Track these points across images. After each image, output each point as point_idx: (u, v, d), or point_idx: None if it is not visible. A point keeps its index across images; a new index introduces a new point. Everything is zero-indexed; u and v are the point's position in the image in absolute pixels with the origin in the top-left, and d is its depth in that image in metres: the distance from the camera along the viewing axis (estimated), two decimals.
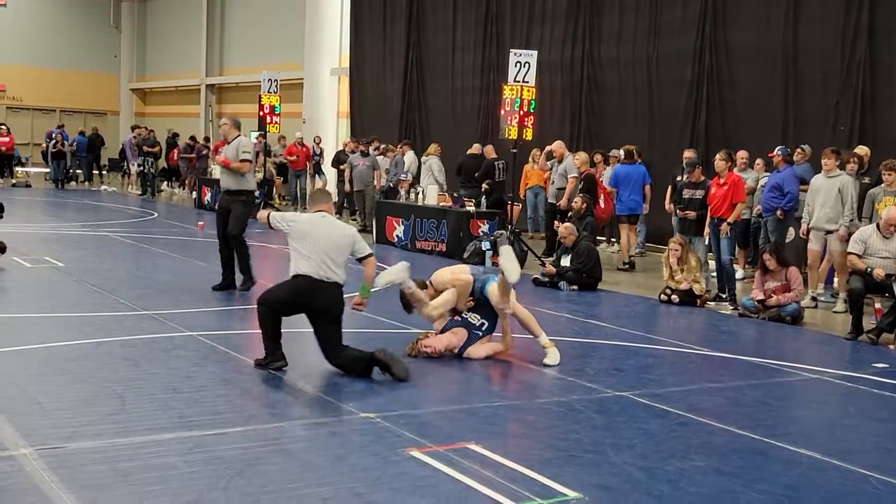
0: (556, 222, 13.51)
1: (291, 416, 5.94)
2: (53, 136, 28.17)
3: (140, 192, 25.17)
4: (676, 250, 10.97)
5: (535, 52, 13.87)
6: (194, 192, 23.42)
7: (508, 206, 14.60)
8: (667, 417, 6.25)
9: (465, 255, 13.99)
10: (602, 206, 14.11)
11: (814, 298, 10.56)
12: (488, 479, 4.87)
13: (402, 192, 16.86)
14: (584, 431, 5.86)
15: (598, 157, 15.29)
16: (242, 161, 10.31)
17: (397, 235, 15.73)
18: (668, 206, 14.22)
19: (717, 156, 11.62)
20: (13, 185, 26.44)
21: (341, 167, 20.29)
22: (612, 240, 16.45)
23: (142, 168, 25.00)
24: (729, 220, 11.09)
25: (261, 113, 20.31)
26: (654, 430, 5.96)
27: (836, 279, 11.22)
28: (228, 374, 6.90)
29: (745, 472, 5.20)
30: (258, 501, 4.46)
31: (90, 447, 5.09)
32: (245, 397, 6.42)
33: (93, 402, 5.96)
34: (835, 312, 10.45)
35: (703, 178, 11.90)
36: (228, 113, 32.75)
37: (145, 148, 25.11)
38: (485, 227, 14.32)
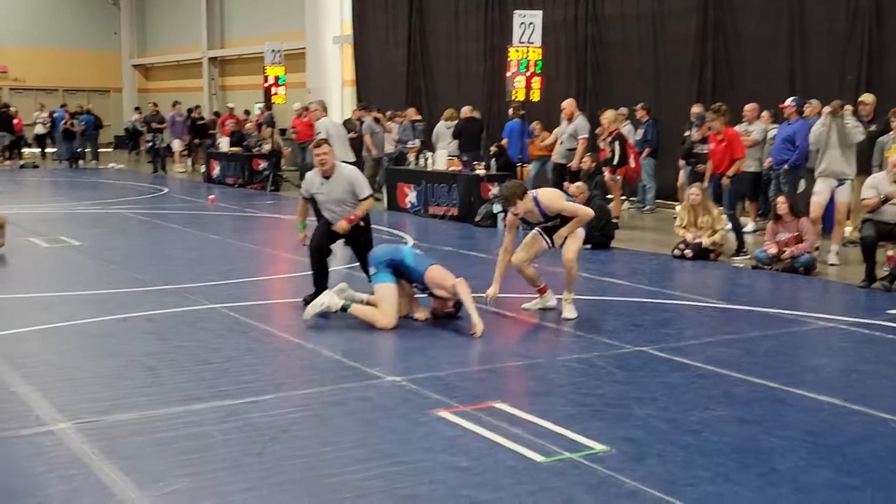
0: (566, 182, 13.54)
1: (319, 382, 6.06)
2: (54, 115, 28.26)
3: (153, 169, 25.12)
4: (697, 195, 11.00)
5: (540, 13, 13.84)
6: (202, 167, 23.48)
7: (518, 168, 14.63)
8: (686, 370, 6.36)
9: (478, 218, 14.09)
10: (633, 165, 14.07)
11: (837, 254, 10.49)
12: (516, 435, 4.99)
13: (412, 158, 16.91)
14: (606, 386, 5.97)
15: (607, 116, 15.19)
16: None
17: (410, 202, 15.80)
18: (679, 161, 14.29)
19: (708, 113, 11.61)
20: (21, 167, 26.55)
21: (351, 134, 20.23)
22: (633, 198, 16.45)
23: (151, 143, 25.03)
24: (728, 173, 11.13)
25: (265, 84, 20.32)
26: (674, 382, 6.07)
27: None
28: (253, 345, 7.03)
29: (765, 420, 5.31)
30: (294, 465, 4.58)
31: (126, 419, 5.22)
32: (272, 366, 6.55)
33: (124, 376, 6.09)
34: (830, 265, 10.41)
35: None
36: (232, 86, 32.79)
37: (154, 125, 25.14)
38: (495, 190, 14.37)
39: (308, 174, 8.38)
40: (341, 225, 8.01)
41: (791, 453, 4.79)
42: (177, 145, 25.84)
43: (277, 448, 4.86)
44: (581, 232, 7.95)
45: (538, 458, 4.68)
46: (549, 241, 7.93)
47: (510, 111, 16.37)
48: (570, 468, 4.57)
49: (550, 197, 7.86)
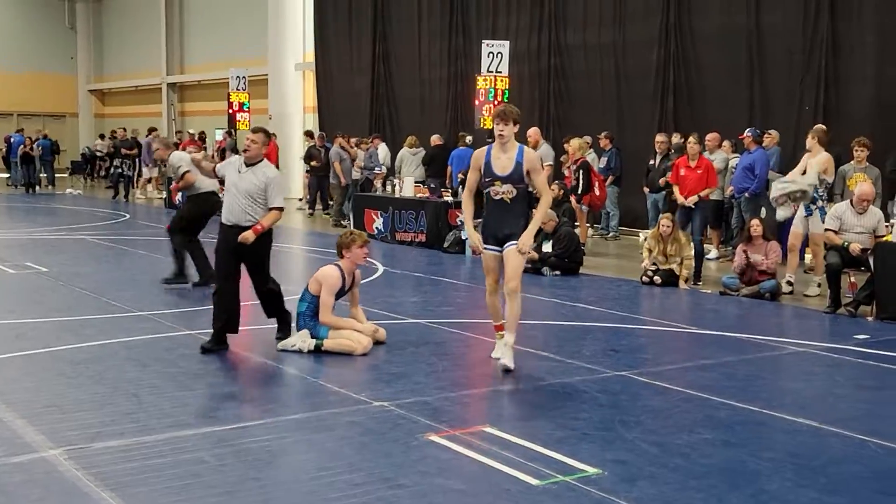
0: (532, 209, 13.68)
1: (307, 407, 6.07)
2: (11, 140, 27.92)
3: (114, 195, 24.84)
4: (668, 227, 11.18)
5: (508, 43, 14.07)
6: (163, 192, 23.31)
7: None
8: (668, 394, 6.48)
9: (446, 244, 14.18)
10: (597, 192, 14.29)
11: (789, 283, 10.75)
12: (509, 458, 5.06)
13: (378, 184, 16.98)
14: (591, 410, 6.06)
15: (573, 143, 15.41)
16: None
17: (377, 228, 15.85)
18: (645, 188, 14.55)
19: (691, 139, 11.89)
20: None
21: (312, 163, 20.27)
22: (597, 226, 16.69)
23: (119, 170, 24.80)
24: (690, 202, 11.33)
25: (230, 110, 20.30)
26: (658, 406, 6.19)
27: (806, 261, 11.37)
28: (236, 371, 7.04)
29: (750, 443, 5.44)
30: (291, 491, 4.60)
31: (117, 445, 5.20)
32: (258, 392, 6.55)
33: (110, 403, 6.05)
34: (806, 296, 10.57)
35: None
36: (191, 112, 32.66)
37: (123, 150, 24.93)
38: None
39: (233, 157, 8.00)
40: (246, 235, 7.27)
41: (777, 475, 4.91)
42: (153, 172, 25.54)
43: (273, 473, 4.87)
44: (523, 258, 6.99)
45: (533, 481, 4.75)
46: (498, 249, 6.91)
47: (467, 139, 16.62)
48: (565, 491, 4.64)
49: (534, 154, 7.09)
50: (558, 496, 4.56)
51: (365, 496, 4.51)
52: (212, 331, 7.54)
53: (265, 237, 7.51)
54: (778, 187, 10.63)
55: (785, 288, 10.61)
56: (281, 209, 7.51)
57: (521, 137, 15.52)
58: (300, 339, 7.53)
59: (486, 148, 6.96)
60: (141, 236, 16.25)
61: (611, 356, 7.62)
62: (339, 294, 7.64)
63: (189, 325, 8.44)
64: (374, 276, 11.85)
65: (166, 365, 7.06)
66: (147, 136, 25.36)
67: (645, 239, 11.60)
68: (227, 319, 7.49)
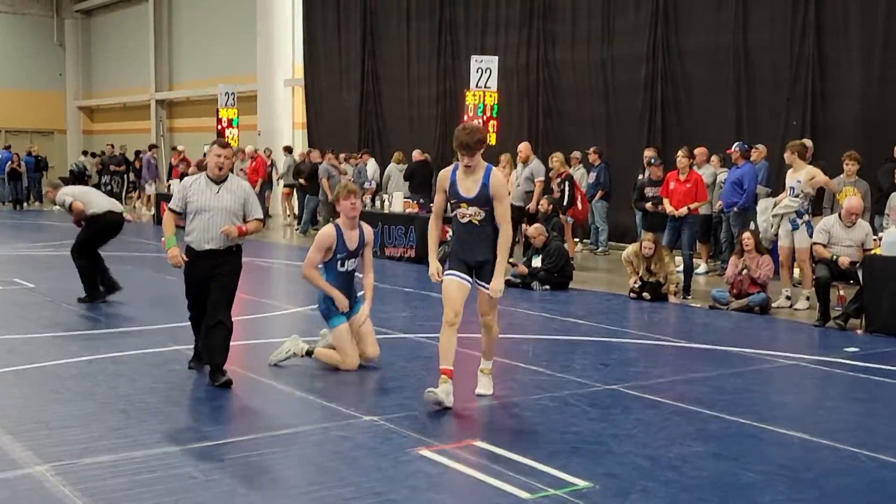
0: (523, 224, 13.71)
1: (296, 422, 6.03)
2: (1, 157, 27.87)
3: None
4: (650, 248, 11.20)
5: (497, 58, 14.11)
6: (152, 209, 23.26)
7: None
8: (659, 408, 6.47)
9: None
10: (580, 206, 14.34)
11: (788, 297, 10.72)
12: (500, 472, 5.03)
13: (367, 200, 16.97)
14: (582, 424, 6.04)
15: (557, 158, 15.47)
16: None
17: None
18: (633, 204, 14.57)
19: (680, 153, 11.94)
20: None
21: (300, 180, 20.25)
22: (586, 240, 16.73)
23: (109, 187, 24.71)
24: (679, 213, 11.36)
25: (219, 127, 20.28)
26: (649, 419, 6.18)
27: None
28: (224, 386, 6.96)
29: (741, 455, 5.42)
30: None
31: (105, 461, 5.15)
32: (246, 407, 6.51)
33: (98, 418, 6.00)
34: (795, 310, 10.58)
35: (661, 175, 12.25)
36: (180, 128, 32.60)
37: (112, 167, 24.86)
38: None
39: (186, 180, 7.13)
40: (230, 229, 6.77)
41: (770, 487, 4.90)
42: (152, 189, 25.40)
43: (262, 488, 4.84)
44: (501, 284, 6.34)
45: (523, 494, 4.73)
46: (469, 280, 6.35)
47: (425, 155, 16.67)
48: None
49: (502, 179, 6.40)
50: None
51: None
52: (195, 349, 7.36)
53: (239, 261, 7.02)
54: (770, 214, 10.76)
55: (783, 303, 10.61)
56: (262, 220, 7.27)
57: (513, 153, 15.61)
58: (292, 343, 7.54)
59: (451, 168, 6.38)
60: (129, 252, 16.16)
61: (601, 370, 7.61)
62: (350, 255, 7.37)
63: (176, 340, 8.39)
64: (360, 292, 11.78)
65: (154, 380, 7.02)
66: (147, 152, 25.33)
67: (627, 256, 11.54)
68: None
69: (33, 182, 28.47)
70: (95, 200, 10.74)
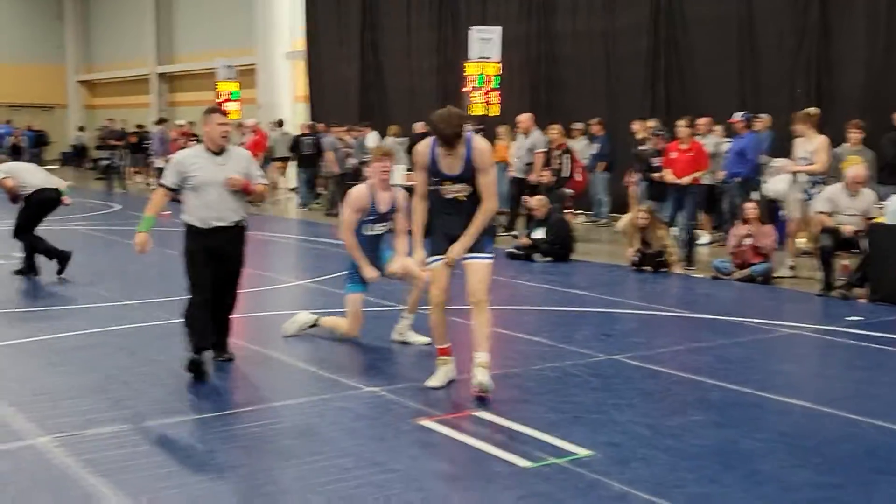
0: (525, 196, 13.66)
1: (297, 394, 6.03)
2: (0, 131, 27.83)
3: (109, 188, 24.66)
4: (645, 219, 11.16)
5: (500, 28, 13.99)
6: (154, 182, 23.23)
7: None
8: (660, 377, 6.47)
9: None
10: (579, 178, 14.26)
11: (792, 267, 10.66)
12: (500, 442, 5.04)
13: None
14: (583, 394, 6.04)
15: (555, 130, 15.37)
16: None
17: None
18: (628, 177, 14.52)
19: (681, 122, 11.87)
20: None
21: (303, 153, 20.19)
22: (578, 211, 16.67)
23: (108, 161, 24.63)
24: (685, 181, 11.32)
25: (218, 101, 20.20)
26: (650, 389, 6.18)
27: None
28: None
29: (742, 423, 5.42)
30: (283, 475, 4.58)
31: (108, 432, 5.16)
32: (248, 379, 6.51)
33: (100, 390, 6.01)
34: (778, 277, 10.53)
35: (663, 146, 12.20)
36: (181, 102, 32.48)
37: (111, 141, 24.77)
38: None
39: (181, 154, 6.62)
40: (237, 179, 6.32)
41: (771, 455, 4.90)
42: (161, 164, 25.26)
43: (263, 459, 4.85)
44: (489, 262, 5.98)
45: (524, 463, 4.73)
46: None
47: (468, 126, 16.48)
48: (557, 473, 4.62)
49: (486, 148, 5.95)
50: (550, 478, 4.54)
51: (356, 480, 4.49)
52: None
53: (246, 240, 6.63)
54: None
55: (786, 272, 10.58)
56: (266, 187, 6.94)
57: (511, 123, 15.55)
58: (303, 314, 7.61)
59: (429, 143, 5.88)
60: (130, 226, 16.10)
61: (603, 340, 7.60)
62: (380, 218, 7.07)
63: (178, 313, 8.36)
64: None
65: (156, 353, 7.02)
66: (158, 125, 25.23)
67: (623, 227, 11.47)
68: (206, 332, 6.44)
69: (34, 157, 28.38)
70: (27, 179, 10.50)
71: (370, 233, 7.14)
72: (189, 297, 6.44)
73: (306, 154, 19.82)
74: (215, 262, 6.42)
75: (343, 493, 4.33)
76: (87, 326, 7.86)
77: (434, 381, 6.07)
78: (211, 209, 6.33)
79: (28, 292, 9.73)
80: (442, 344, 6.13)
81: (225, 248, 6.44)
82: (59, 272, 10.44)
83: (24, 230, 10.62)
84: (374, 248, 7.20)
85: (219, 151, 6.40)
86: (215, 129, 6.35)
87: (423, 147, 5.92)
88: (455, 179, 5.80)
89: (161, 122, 25.28)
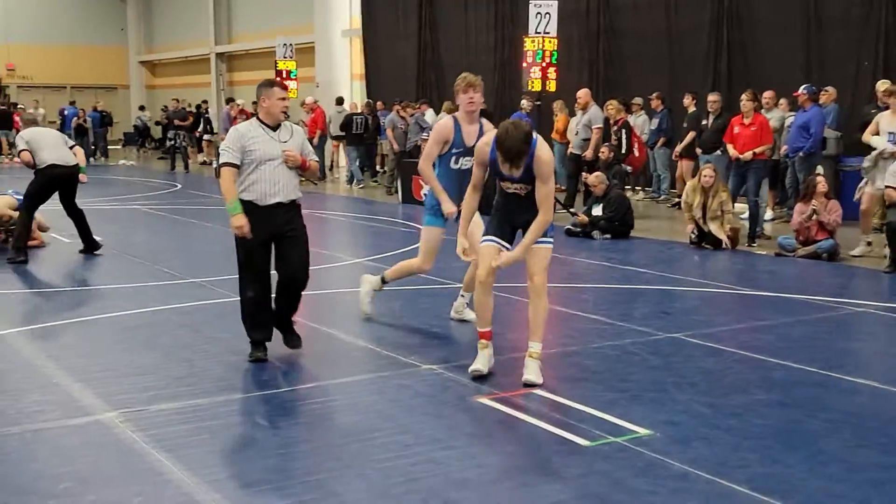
0: (584, 173, 13.57)
1: (356, 371, 6.08)
2: (65, 112, 28.35)
3: (171, 168, 25.06)
4: (710, 176, 10.96)
5: (556, 2, 13.83)
6: (214, 162, 23.54)
7: None
8: (721, 355, 6.39)
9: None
10: (636, 154, 14.14)
11: (868, 243, 10.39)
12: (559, 420, 5.03)
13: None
14: (642, 372, 6.00)
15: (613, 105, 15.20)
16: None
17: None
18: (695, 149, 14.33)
19: (744, 96, 11.67)
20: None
21: (353, 131, 20.26)
22: (638, 187, 16.53)
23: (173, 142, 24.99)
24: (755, 152, 11.12)
25: (277, 79, 20.34)
26: (711, 367, 6.11)
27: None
28: None
29: (806, 403, 5.34)
30: (343, 451, 4.61)
31: (172, 408, 5.26)
32: (308, 356, 6.54)
33: (163, 367, 6.12)
34: (853, 256, 10.35)
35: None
36: (239, 81, 32.77)
37: (176, 121, 25.13)
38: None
39: (237, 129, 6.20)
40: (293, 156, 6.11)
41: (835, 435, 4.82)
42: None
43: (323, 435, 4.90)
44: (548, 246, 5.88)
45: (583, 442, 4.71)
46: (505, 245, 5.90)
47: (523, 103, 16.40)
48: (617, 452, 4.60)
49: (548, 158, 5.69)
50: (609, 457, 4.52)
51: (415, 457, 4.51)
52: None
53: (301, 215, 6.37)
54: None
55: (863, 250, 10.33)
56: (318, 163, 6.73)
57: (571, 99, 15.42)
58: (366, 285, 7.48)
59: (489, 142, 5.67)
60: (192, 205, 16.41)
61: (662, 318, 7.53)
62: (466, 152, 6.63)
63: (238, 290, 8.48)
64: None
65: (218, 330, 7.12)
66: (226, 105, 25.57)
67: (685, 195, 11.30)
68: (264, 325, 6.34)
69: (98, 137, 28.96)
70: (44, 151, 10.26)
71: (455, 166, 6.76)
72: (241, 283, 6.22)
73: (356, 133, 19.92)
74: (273, 242, 6.19)
75: (401, 469, 4.36)
76: (151, 304, 8.00)
77: (478, 365, 5.83)
78: (270, 184, 6.08)
79: (93, 271, 9.93)
80: (485, 327, 5.90)
81: (284, 226, 6.15)
82: (12, 257, 10.13)
83: (30, 205, 10.48)
84: (460, 184, 6.61)
85: (275, 126, 6.19)
86: (276, 104, 6.14)
87: (485, 146, 5.76)
88: (514, 181, 5.75)
89: (229, 101, 25.60)
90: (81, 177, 10.70)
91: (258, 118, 6.20)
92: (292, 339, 6.46)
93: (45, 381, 5.81)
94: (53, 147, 10.43)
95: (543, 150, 5.63)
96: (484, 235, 5.95)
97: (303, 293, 6.39)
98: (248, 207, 6.05)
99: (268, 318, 6.33)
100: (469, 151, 6.58)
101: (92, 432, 4.89)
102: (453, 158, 6.74)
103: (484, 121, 6.84)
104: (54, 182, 10.45)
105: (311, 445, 4.73)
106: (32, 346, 6.72)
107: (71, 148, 10.72)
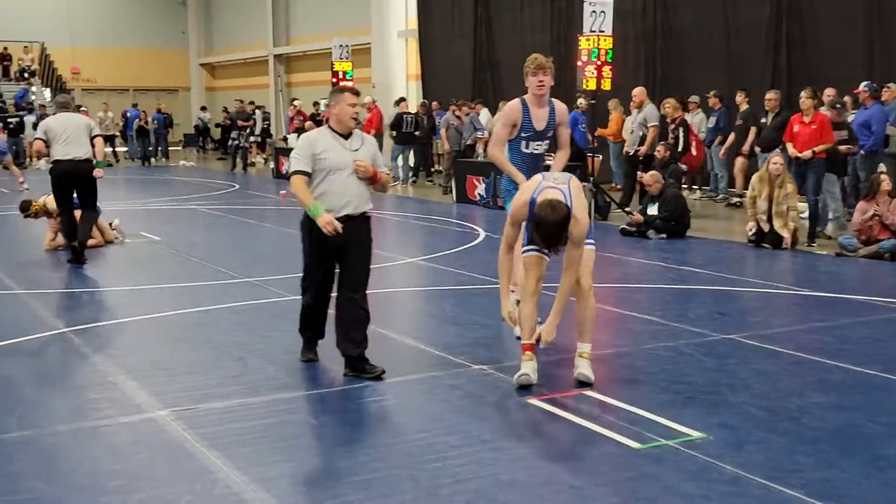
0: (639, 172, 13.42)
1: (407, 371, 6.06)
2: (128, 114, 28.89)
3: (231, 168, 25.35)
4: (779, 164, 10.72)
5: (611, 1, 13.69)
6: (271, 162, 23.78)
7: (590, 159, 14.52)
8: (778, 357, 6.26)
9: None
10: (694, 152, 13.95)
11: None
12: (610, 422, 4.96)
13: (480, 150, 16.91)
14: (696, 374, 5.90)
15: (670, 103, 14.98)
16: None
17: (479, 194, 15.81)
18: (753, 147, 14.09)
19: (803, 93, 11.45)
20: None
21: (416, 132, 20.34)
22: (695, 186, 16.31)
23: (236, 142, 25.28)
24: (815, 150, 10.91)
25: (334, 80, 20.47)
26: (767, 369, 5.99)
27: None
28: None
29: (865, 407, 5.20)
30: (391, 452, 4.61)
31: (222, 407, 5.30)
32: None
33: (216, 366, 6.18)
34: None
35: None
36: (297, 82, 33.08)
37: (239, 122, 25.45)
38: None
39: (308, 136, 5.98)
40: (363, 166, 5.77)
41: (894, 439, 4.69)
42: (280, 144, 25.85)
43: (373, 435, 4.91)
44: (591, 247, 5.79)
45: (634, 444, 4.65)
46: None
47: (580, 101, 16.29)
48: (669, 455, 4.52)
49: (583, 224, 5.46)
50: (661, 460, 4.45)
51: (463, 458, 4.49)
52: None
53: (368, 227, 6.03)
54: None
55: None
56: (389, 174, 6.43)
57: (627, 98, 15.28)
58: (509, 308, 6.05)
59: (529, 197, 5.46)
60: (249, 205, 16.59)
61: (717, 319, 7.41)
62: (537, 136, 6.50)
63: (294, 290, 8.51)
64: (476, 242, 11.82)
65: (271, 329, 7.17)
66: (290, 105, 25.85)
67: (751, 187, 11.06)
68: (321, 326, 6.24)
69: (160, 139, 29.43)
70: (56, 145, 9.87)
71: (527, 150, 6.55)
72: (302, 284, 6.10)
73: (406, 132, 20.02)
74: (339, 254, 5.87)
75: (449, 470, 4.34)
76: (205, 303, 8.09)
77: (527, 370, 5.59)
78: (340, 196, 5.77)
79: (151, 270, 10.07)
80: (529, 339, 5.62)
81: (349, 241, 5.78)
82: (71, 259, 10.12)
83: (60, 202, 10.20)
84: (532, 168, 6.39)
85: (346, 134, 5.88)
86: (346, 110, 5.82)
87: (522, 206, 5.51)
88: (531, 137, 6.15)
89: (293, 101, 25.88)
90: (96, 171, 10.16)
91: (329, 125, 5.95)
92: (367, 367, 5.90)
93: (100, 378, 5.91)
94: (68, 140, 9.89)
95: (579, 211, 5.38)
96: (525, 248, 5.80)
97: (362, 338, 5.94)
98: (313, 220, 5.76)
99: (321, 319, 6.21)
100: (539, 135, 6.43)
101: (144, 430, 4.96)
102: (523, 143, 6.55)
103: (555, 102, 6.58)
104: (63, 179, 10.01)
105: (358, 445, 4.73)
106: (90, 344, 6.84)
107: (92, 139, 10.12)
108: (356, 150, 5.84)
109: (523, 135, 6.51)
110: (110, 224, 11.92)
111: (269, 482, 4.22)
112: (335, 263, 5.94)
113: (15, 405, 5.32)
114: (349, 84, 20.22)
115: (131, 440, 4.82)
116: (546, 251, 5.59)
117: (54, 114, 10.78)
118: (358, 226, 5.86)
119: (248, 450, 4.63)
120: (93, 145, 10.11)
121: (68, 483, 4.27)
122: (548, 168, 6.74)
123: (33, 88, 32.95)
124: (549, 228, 5.22)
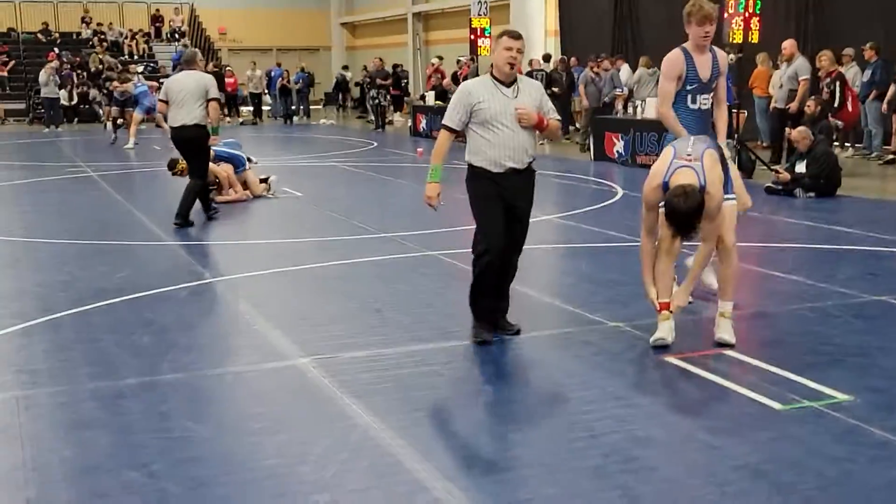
0: (787, 128, 12.91)
1: (541, 327, 6.04)
2: (272, 74, 29.60)
3: (374, 127, 25.68)
4: None
5: None
6: (409, 120, 24.00)
7: (735, 115, 14.03)
8: None
9: None
10: (850, 108, 13.32)
11: None
12: (750, 382, 4.84)
13: (619, 106, 16.61)
14: (844, 336, 5.67)
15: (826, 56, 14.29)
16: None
17: (617, 151, 15.55)
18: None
19: None
20: (241, 124, 27.99)
21: (554, 88, 20.09)
22: (848, 144, 15.57)
23: (376, 101, 25.62)
24: None
25: (472, 37, 20.42)
26: None
27: None
28: None
29: None
30: (523, 406, 4.63)
31: (361, 356, 5.42)
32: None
33: (355, 317, 6.32)
34: None
35: None
36: (435, 41, 33.15)
37: (378, 80, 25.78)
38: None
39: (468, 84, 5.65)
40: (526, 114, 5.42)
41: None
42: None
43: (505, 389, 4.94)
44: (732, 203, 5.63)
45: (776, 405, 4.52)
46: None
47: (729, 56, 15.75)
48: (812, 416, 4.38)
49: (719, 195, 5.31)
50: (804, 421, 4.32)
51: (598, 413, 4.46)
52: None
53: (534, 185, 5.71)
54: None
55: None
56: (560, 120, 5.91)
57: (775, 51, 14.66)
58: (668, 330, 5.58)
59: (660, 179, 5.34)
60: (387, 163, 16.81)
61: (869, 279, 7.09)
62: (703, 88, 5.96)
63: (430, 246, 8.64)
64: (614, 199, 11.65)
65: (408, 283, 7.28)
66: (429, 63, 26.12)
67: None
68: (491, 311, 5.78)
69: (303, 98, 30.09)
70: (171, 108, 9.62)
71: (693, 106, 5.97)
72: (478, 256, 5.57)
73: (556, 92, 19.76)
74: (507, 212, 5.55)
75: (585, 424, 4.32)
76: (346, 257, 8.27)
77: (662, 333, 5.43)
78: (503, 148, 5.46)
79: (293, 224, 10.35)
80: (665, 297, 5.46)
81: (516, 196, 5.53)
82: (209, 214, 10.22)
83: (193, 169, 10.00)
84: (700, 129, 5.90)
85: (508, 82, 5.51)
86: (501, 55, 5.43)
87: (653, 190, 5.37)
88: (701, 89, 5.86)
89: (439, 58, 26.00)
90: (212, 139, 9.90)
91: (491, 73, 5.58)
92: (504, 324, 5.81)
93: (245, 326, 6.13)
94: (179, 104, 9.61)
95: (713, 187, 5.21)
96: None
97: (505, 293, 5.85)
98: (480, 173, 5.53)
99: (501, 287, 5.77)
100: (705, 87, 5.99)
101: (286, 376, 5.12)
102: (689, 97, 6.03)
103: (716, 49, 6.10)
104: (176, 144, 9.90)
105: (492, 397, 4.76)
106: (235, 293, 7.10)
107: (207, 102, 9.66)
108: (514, 98, 5.47)
109: (689, 87, 6.03)
110: (266, 179, 12.34)
111: (403, 430, 4.30)
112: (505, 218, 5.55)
113: (167, 349, 5.58)
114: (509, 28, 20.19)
115: (275, 386, 5.00)
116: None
117: (179, 70, 10.51)
118: (523, 181, 5.56)
119: (385, 398, 4.73)
120: (206, 110, 9.68)
121: (216, 423, 4.46)
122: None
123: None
124: (681, 218, 5.08)
